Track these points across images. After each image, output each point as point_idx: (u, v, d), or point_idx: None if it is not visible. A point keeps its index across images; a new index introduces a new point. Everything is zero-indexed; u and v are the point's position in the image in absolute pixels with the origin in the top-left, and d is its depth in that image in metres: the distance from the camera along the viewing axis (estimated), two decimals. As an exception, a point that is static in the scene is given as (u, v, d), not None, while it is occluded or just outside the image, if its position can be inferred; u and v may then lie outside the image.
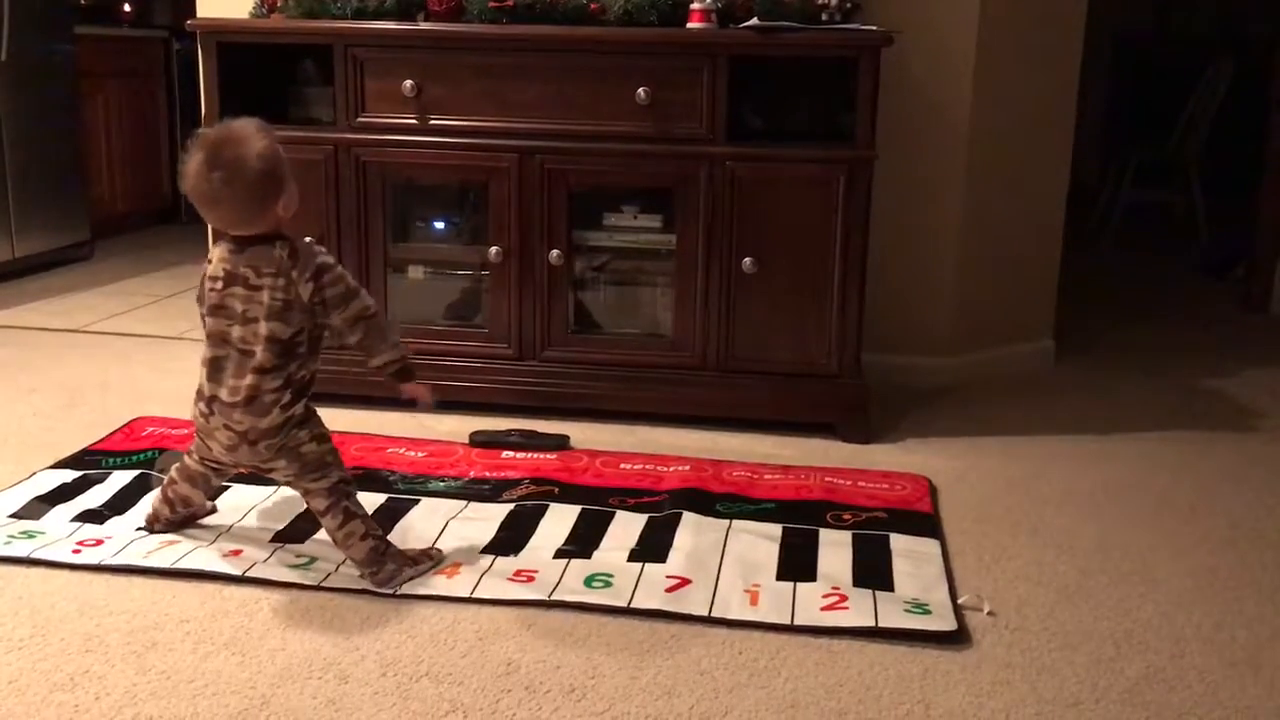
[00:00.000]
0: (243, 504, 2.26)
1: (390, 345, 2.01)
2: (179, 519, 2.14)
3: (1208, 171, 5.84)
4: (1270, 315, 4.37)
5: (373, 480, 2.40)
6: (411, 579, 1.96)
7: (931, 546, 2.16)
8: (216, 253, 1.97)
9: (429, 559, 2.03)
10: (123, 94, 5.27)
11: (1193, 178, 5.75)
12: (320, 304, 1.93)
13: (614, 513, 2.27)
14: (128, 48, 5.36)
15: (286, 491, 2.29)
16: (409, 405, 2.15)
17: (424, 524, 2.19)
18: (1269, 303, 4.40)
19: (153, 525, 2.13)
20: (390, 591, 1.92)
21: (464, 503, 2.30)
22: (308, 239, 1.98)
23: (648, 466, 2.54)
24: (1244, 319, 4.34)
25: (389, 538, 2.02)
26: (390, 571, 1.95)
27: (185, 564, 1.99)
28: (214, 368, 1.95)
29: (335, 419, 2.69)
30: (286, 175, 1.92)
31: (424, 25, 2.75)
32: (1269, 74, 4.52)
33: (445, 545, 2.10)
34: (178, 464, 2.10)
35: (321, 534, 2.06)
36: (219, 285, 1.94)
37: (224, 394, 1.92)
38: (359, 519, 1.97)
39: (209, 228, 2.91)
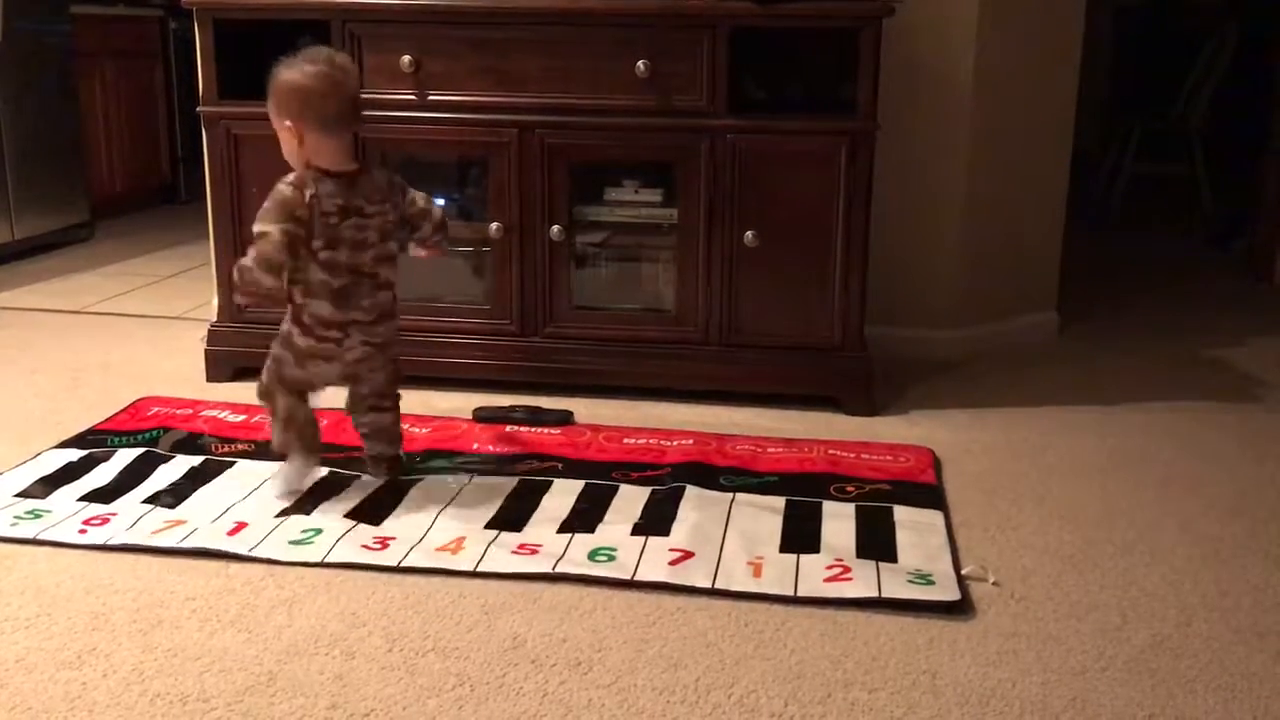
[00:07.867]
0: (248, 482, 2.26)
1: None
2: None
3: (1211, 141, 5.80)
4: (1275, 285, 4.35)
5: (376, 457, 2.40)
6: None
7: (935, 518, 2.16)
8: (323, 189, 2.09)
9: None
10: (120, 74, 5.24)
11: (1196, 147, 5.72)
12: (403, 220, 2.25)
13: (617, 487, 2.27)
14: (124, 27, 5.33)
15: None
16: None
17: (428, 500, 2.20)
18: (1274, 273, 4.39)
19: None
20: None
21: (468, 478, 2.30)
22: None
23: (651, 441, 2.53)
24: (1249, 289, 4.33)
25: (392, 516, 2.12)
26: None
27: (190, 543, 1.99)
28: (343, 295, 2.13)
29: (338, 397, 2.68)
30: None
31: (421, 0, 2.73)
32: (1274, 42, 4.49)
33: (449, 520, 2.10)
34: (292, 411, 2.19)
35: (324, 506, 2.14)
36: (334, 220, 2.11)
37: (359, 315, 2.14)
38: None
39: (209, 207, 2.89)
